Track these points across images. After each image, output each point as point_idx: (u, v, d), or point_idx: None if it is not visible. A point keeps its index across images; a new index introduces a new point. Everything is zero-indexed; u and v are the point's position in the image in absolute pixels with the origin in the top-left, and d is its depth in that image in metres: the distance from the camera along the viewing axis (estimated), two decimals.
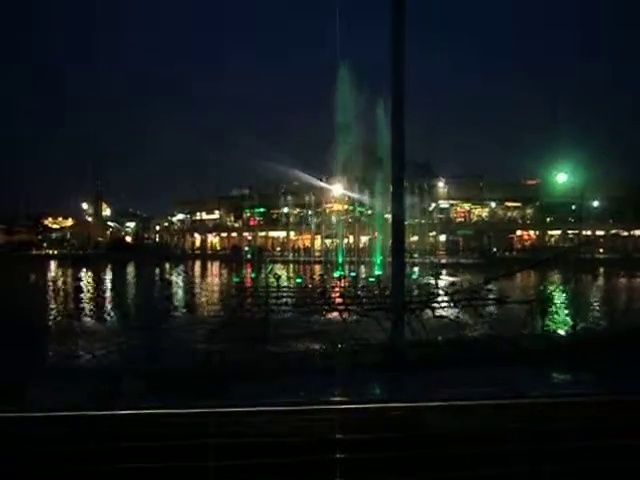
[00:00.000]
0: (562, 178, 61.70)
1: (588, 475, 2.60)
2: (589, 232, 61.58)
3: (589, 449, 2.63)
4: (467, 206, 71.11)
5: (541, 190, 63.61)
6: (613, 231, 61.82)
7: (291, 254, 57.48)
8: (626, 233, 62.07)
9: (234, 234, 76.02)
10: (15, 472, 2.42)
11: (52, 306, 20.70)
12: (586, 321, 15.28)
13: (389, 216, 10.05)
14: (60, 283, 34.31)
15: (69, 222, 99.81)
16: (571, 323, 14.86)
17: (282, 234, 70.36)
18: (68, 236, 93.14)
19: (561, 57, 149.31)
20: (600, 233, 61.89)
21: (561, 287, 26.74)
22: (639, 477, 2.63)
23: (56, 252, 73.12)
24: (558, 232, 65.26)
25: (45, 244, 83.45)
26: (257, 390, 4.94)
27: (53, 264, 54.81)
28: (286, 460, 2.44)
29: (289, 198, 66.37)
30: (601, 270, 40.70)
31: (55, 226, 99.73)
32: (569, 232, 63.59)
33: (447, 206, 69.50)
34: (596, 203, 62.41)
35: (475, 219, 70.74)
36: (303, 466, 2.42)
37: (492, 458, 2.60)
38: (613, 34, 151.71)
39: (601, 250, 56.01)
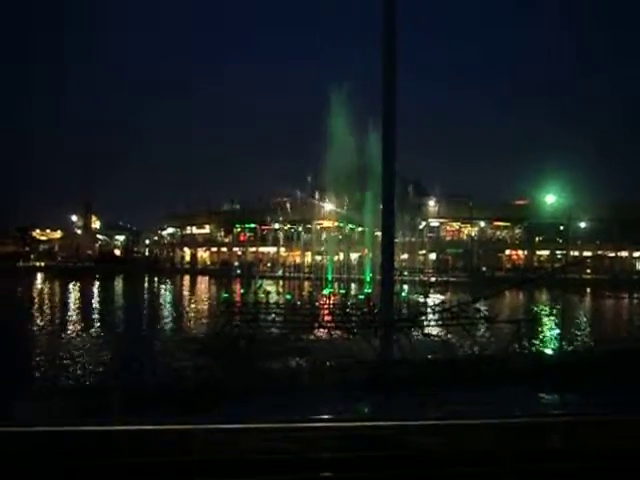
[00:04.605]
0: (551, 199, 62.48)
1: None
2: (576, 252, 62.21)
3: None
4: (457, 225, 71.61)
5: (530, 210, 64.31)
6: (600, 252, 62.52)
7: (281, 270, 57.34)
8: (612, 254, 62.76)
9: (224, 249, 75.78)
10: None
11: (38, 320, 20.45)
12: (572, 341, 15.39)
13: (379, 233, 10.13)
14: (47, 297, 33.91)
15: (57, 234, 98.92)
16: (558, 343, 14.97)
17: (272, 250, 70.27)
18: (56, 248, 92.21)
19: (558, 77, 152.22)
20: (587, 254, 62.52)
21: (548, 307, 26.94)
22: None
23: (43, 264, 72.35)
24: (546, 252, 65.86)
25: (33, 256, 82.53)
26: (243, 409, 4.93)
27: (40, 277, 54.19)
28: (273, 478, 2.45)
29: (280, 214, 66.46)
30: (588, 290, 41.06)
31: (43, 238, 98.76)
32: (557, 252, 64.19)
33: (437, 224, 69.95)
34: (583, 224, 63.18)
35: (465, 238, 71.19)
36: None
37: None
38: (613, 48, 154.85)
39: (588, 271, 56.53)
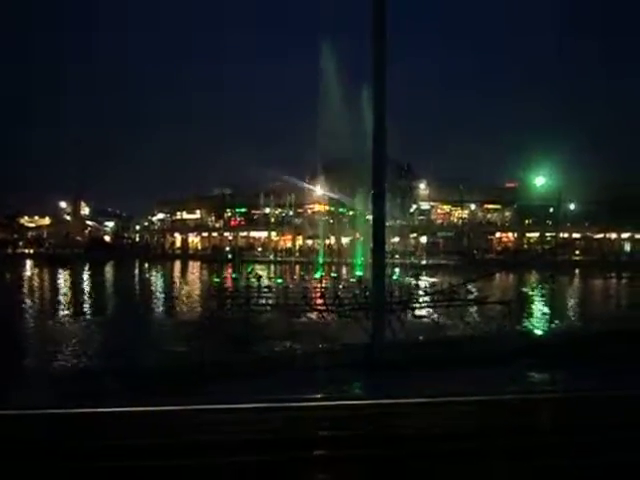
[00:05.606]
0: (540, 181, 62.74)
1: None
2: (566, 234, 62.71)
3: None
4: (447, 208, 71.82)
5: (520, 193, 64.61)
6: (589, 234, 63.07)
7: (272, 255, 57.32)
8: (601, 235, 63.34)
9: (215, 234, 75.50)
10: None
11: (27, 306, 20.32)
12: (562, 321, 15.57)
13: (370, 217, 10.09)
14: (36, 283, 33.67)
15: (46, 221, 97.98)
16: (548, 323, 15.14)
17: (263, 234, 70.12)
18: (45, 235, 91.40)
19: (550, 62, 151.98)
20: (577, 235, 63.08)
21: (538, 288, 27.21)
22: None
23: (32, 251, 71.75)
24: (536, 234, 66.34)
25: (21, 243, 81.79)
26: (235, 389, 4.92)
27: (29, 263, 53.78)
28: (263, 458, 2.43)
29: (271, 198, 66.19)
30: (577, 272, 41.48)
31: (31, 225, 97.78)
32: (547, 234, 64.68)
33: (428, 208, 70.12)
34: (573, 206, 63.62)
35: (455, 221, 71.48)
36: (281, 464, 2.42)
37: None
38: (606, 37, 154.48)
39: (577, 252, 57.07)
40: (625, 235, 64.48)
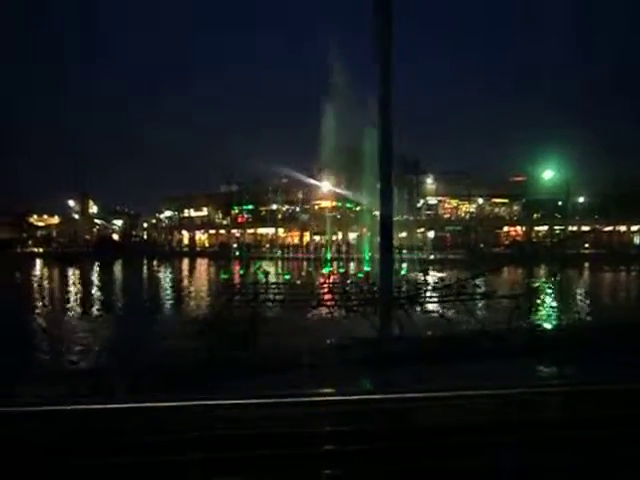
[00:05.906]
0: (548, 175, 62.27)
1: None
2: (575, 228, 62.27)
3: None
4: (455, 202, 71.45)
5: (528, 186, 64.18)
6: (598, 226, 62.58)
7: (279, 251, 57.40)
8: (610, 228, 62.86)
9: (222, 231, 75.65)
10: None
11: (39, 304, 20.52)
12: (571, 315, 15.50)
13: (378, 212, 10.09)
14: (46, 282, 33.97)
15: (55, 220, 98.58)
16: (556, 318, 15.07)
17: (271, 231, 70.20)
18: (54, 234, 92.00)
19: (557, 57, 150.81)
20: (585, 229, 62.60)
21: (547, 282, 27.05)
22: None
23: (41, 250, 72.27)
24: (545, 228, 65.91)
25: (30, 242, 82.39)
26: (244, 386, 4.96)
27: (38, 262, 54.22)
28: (274, 451, 2.46)
29: (278, 195, 66.31)
30: (586, 265, 41.19)
31: (40, 224, 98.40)
32: (555, 228, 64.23)
33: (435, 202, 69.83)
34: (581, 199, 63.13)
35: (463, 215, 71.12)
36: (291, 457, 2.44)
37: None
38: (611, 36, 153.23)
39: (586, 245, 56.66)
40: (635, 228, 63.92)
